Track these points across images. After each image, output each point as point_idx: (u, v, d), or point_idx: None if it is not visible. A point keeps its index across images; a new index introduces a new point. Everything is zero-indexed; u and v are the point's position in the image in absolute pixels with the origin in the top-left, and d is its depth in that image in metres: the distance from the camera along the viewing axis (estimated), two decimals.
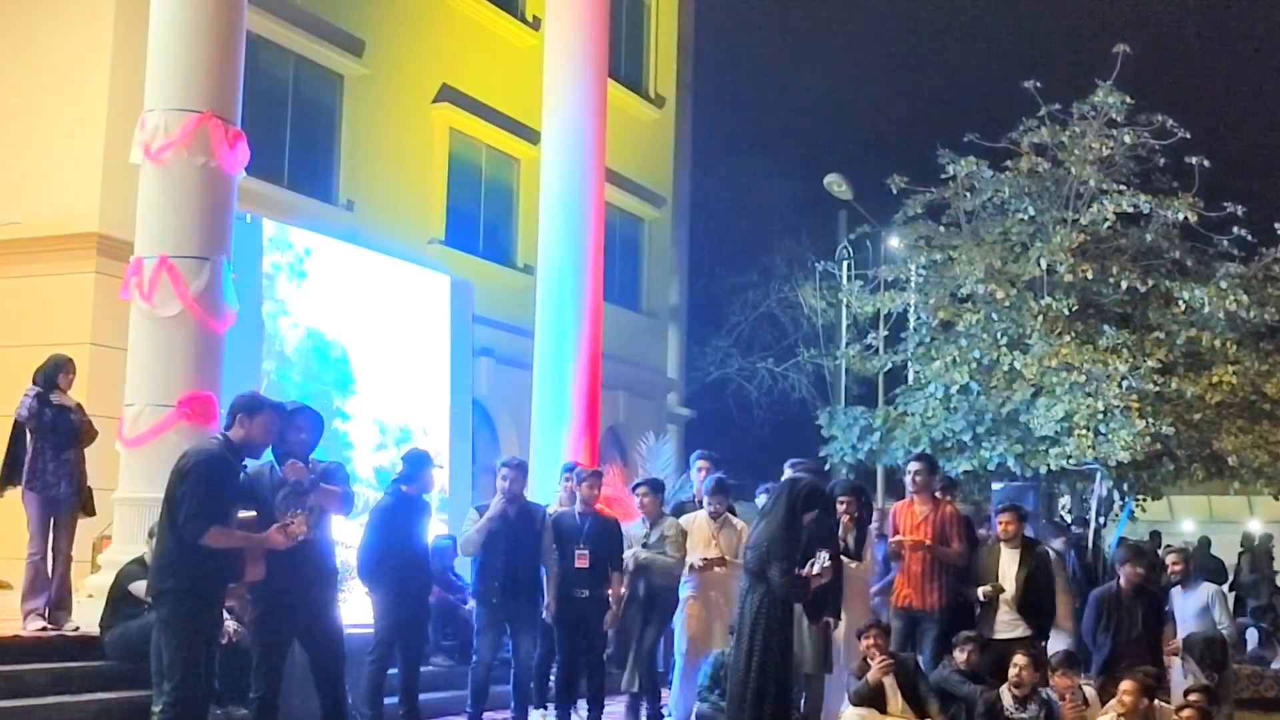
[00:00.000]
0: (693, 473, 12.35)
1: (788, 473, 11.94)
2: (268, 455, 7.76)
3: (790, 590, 8.60)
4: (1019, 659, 9.89)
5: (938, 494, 11.38)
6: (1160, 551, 16.66)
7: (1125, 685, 9.54)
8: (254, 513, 7.34)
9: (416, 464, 10.22)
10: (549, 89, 15.65)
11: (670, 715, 11.03)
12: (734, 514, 11.33)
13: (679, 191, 25.59)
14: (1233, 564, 21.99)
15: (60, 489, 10.03)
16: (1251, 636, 16.82)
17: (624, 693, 10.91)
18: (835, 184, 22.45)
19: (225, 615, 8.04)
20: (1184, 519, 28.29)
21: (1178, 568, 11.63)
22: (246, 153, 11.55)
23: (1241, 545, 22.89)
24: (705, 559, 10.91)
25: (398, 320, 15.27)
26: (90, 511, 10.46)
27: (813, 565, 8.72)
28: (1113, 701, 9.91)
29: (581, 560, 10.44)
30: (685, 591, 10.97)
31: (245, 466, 7.58)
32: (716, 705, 10.26)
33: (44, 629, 9.91)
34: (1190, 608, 11.26)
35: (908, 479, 11.43)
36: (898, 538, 11.13)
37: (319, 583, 7.81)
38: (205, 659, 7.27)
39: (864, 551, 11.36)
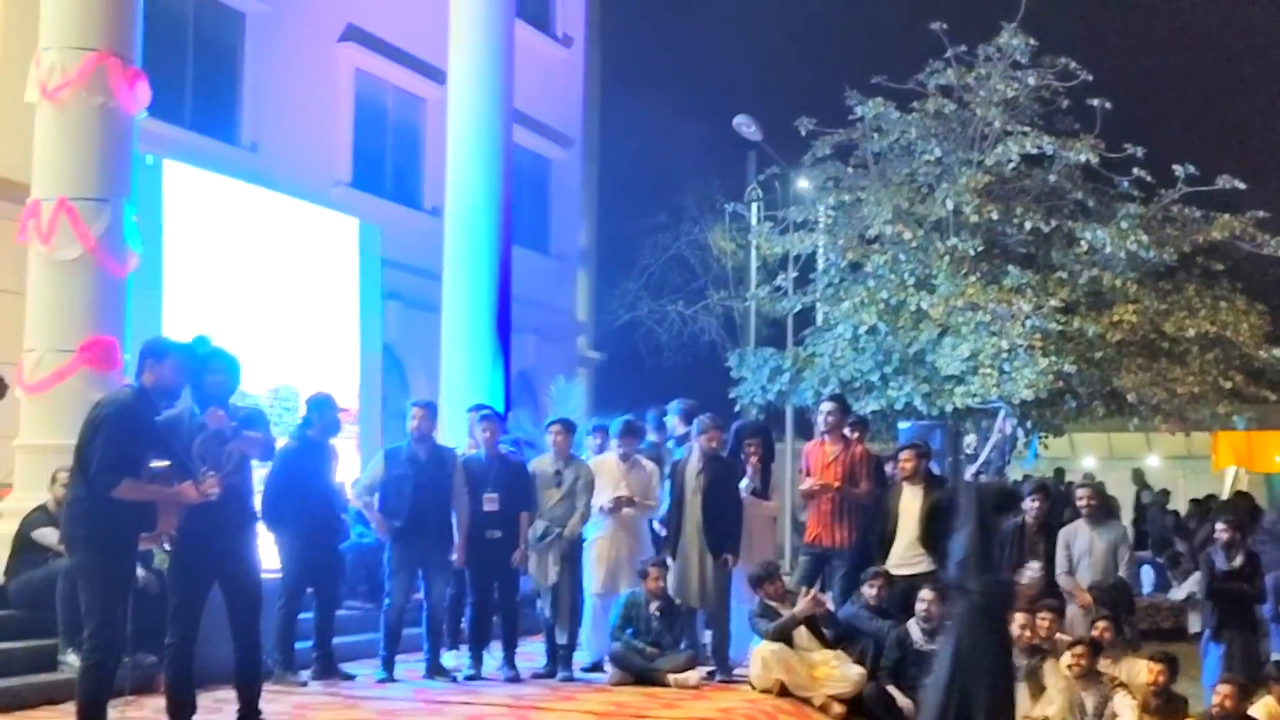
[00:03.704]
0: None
1: (672, 417, 12.06)
2: (187, 398, 7.67)
3: (994, 600, 8.53)
4: (925, 594, 10.04)
5: (848, 433, 11.52)
6: (1068, 486, 16.96)
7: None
8: (168, 462, 7.25)
9: (320, 408, 10.24)
10: (455, 28, 15.47)
11: (582, 655, 11.11)
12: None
13: (588, 132, 25.44)
14: (1129, 499, 22.48)
15: None
16: (1146, 574, 17.15)
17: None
18: (744, 125, 22.42)
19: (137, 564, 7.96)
20: (1085, 455, 28.79)
21: (1092, 502, 11.57)
22: (147, 93, 11.32)
23: (1133, 481, 23.36)
24: (615, 498, 10.97)
25: (304, 264, 15.09)
26: None
27: (1023, 574, 8.83)
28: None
29: (490, 504, 10.48)
30: (594, 533, 11.03)
31: (160, 412, 7.49)
32: (628, 644, 10.37)
33: None
34: (1100, 546, 11.27)
35: (820, 419, 11.54)
36: (808, 480, 11.25)
37: (240, 528, 7.78)
38: (120, 607, 7.22)
39: (769, 491, 11.55)
